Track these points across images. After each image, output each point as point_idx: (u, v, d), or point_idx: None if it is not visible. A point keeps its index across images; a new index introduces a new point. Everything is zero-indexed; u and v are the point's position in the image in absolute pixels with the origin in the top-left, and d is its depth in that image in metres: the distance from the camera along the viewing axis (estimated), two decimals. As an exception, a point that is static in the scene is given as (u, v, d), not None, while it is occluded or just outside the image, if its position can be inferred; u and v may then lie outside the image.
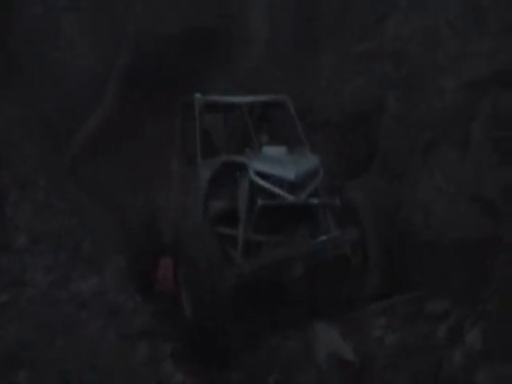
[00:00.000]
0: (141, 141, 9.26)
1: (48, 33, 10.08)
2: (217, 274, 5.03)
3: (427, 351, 4.84)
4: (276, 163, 5.71)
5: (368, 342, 5.16)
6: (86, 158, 9.34)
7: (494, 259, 5.17)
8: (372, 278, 5.44)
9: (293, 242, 5.54)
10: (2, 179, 7.20)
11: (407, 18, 7.63)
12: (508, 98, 5.80)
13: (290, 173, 5.56)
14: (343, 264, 5.57)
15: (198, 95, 6.70)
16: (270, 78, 7.54)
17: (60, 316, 6.01)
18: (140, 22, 9.98)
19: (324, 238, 5.55)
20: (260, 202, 5.48)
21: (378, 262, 5.38)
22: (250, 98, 6.92)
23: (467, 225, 5.44)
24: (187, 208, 6.38)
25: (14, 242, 7.14)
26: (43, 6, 10.16)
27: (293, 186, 5.54)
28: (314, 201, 5.60)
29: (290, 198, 5.51)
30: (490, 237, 5.29)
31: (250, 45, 9.82)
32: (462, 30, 6.72)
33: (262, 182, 5.58)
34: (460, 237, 5.37)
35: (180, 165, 6.93)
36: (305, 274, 5.46)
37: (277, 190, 5.54)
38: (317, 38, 8.93)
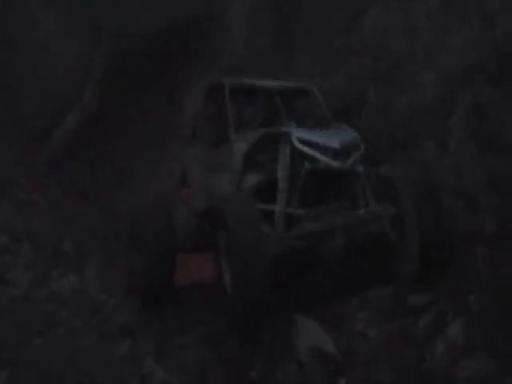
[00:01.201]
0: (122, 138, 9.18)
1: (24, 33, 9.96)
2: (258, 243, 4.95)
3: (409, 344, 4.83)
4: (319, 134, 5.66)
5: (350, 335, 5.15)
6: (65, 156, 9.27)
7: (475, 252, 5.22)
8: (409, 254, 5.39)
9: (334, 214, 5.47)
10: None
11: (386, 12, 7.63)
12: (487, 90, 5.83)
13: (334, 141, 5.49)
14: (382, 239, 5.55)
15: (226, 79, 6.64)
16: (248, 75, 7.50)
17: (41, 314, 6.04)
18: (116, 22, 9.86)
19: (364, 211, 5.52)
20: (307, 165, 5.42)
21: (415, 239, 5.33)
22: (277, 83, 6.84)
23: (448, 218, 5.40)
24: (219, 185, 6.26)
25: None
26: (19, 6, 10.03)
27: (337, 154, 5.46)
28: (360, 168, 5.55)
29: (336, 164, 5.46)
30: (471, 229, 5.35)
31: (229, 43, 9.79)
32: (441, 22, 6.73)
33: (306, 149, 5.49)
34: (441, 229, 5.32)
35: (202, 147, 6.82)
36: (345, 245, 5.42)
37: (322, 156, 5.45)
38: (296, 34, 8.94)
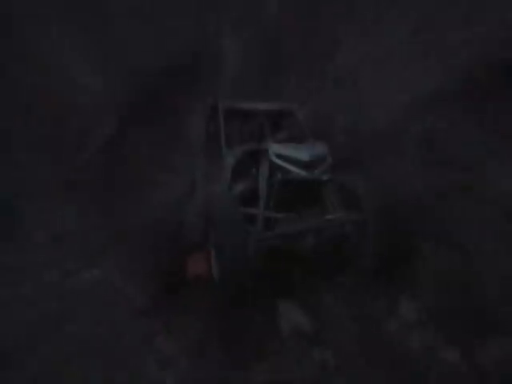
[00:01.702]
0: (136, 156, 9.28)
1: (55, 61, 10.04)
2: (240, 241, 5.06)
3: (369, 320, 4.97)
4: (292, 148, 5.74)
5: (321, 312, 5.25)
6: (91, 170, 9.36)
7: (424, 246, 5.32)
8: (367, 252, 5.44)
9: (306, 218, 5.58)
10: (24, 188, 7.12)
11: (358, 44, 7.61)
12: (435, 116, 5.90)
13: (304, 155, 5.61)
14: (345, 240, 5.61)
15: (221, 100, 6.70)
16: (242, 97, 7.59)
17: (68, 303, 6.04)
18: (131, 57, 9.99)
19: (331, 216, 5.59)
20: (279, 176, 5.57)
21: (373, 241, 5.39)
22: (265, 105, 6.89)
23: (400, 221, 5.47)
24: (214, 192, 6.33)
25: (33, 240, 7.18)
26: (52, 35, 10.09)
27: (306, 165, 5.59)
28: (325, 177, 5.64)
29: (304, 174, 5.58)
30: (418, 229, 5.44)
31: (224, 74, 9.83)
32: (404, 56, 6.71)
33: (280, 162, 5.63)
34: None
35: (205, 159, 6.91)
36: (315, 244, 5.50)
37: (293, 168, 5.59)
38: (282, 63, 8.98)
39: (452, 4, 6.54)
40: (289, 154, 5.64)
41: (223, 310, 5.29)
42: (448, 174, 5.60)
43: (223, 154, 6.29)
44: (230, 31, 10.20)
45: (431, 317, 4.74)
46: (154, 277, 6.69)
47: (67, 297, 6.15)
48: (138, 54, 9.93)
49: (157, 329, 5.67)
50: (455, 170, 5.56)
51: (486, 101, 5.52)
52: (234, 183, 6.14)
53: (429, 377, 4.38)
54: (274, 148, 5.73)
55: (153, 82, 9.85)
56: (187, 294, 6.21)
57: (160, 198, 8.10)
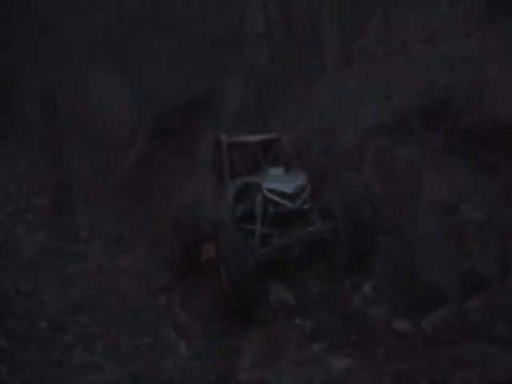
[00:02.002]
0: (162, 172, 9.22)
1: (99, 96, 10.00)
2: (242, 257, 4.99)
3: (339, 296, 4.97)
4: (279, 182, 5.63)
5: (301, 290, 5.23)
6: (126, 179, 9.30)
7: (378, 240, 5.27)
8: (342, 252, 5.36)
9: (292, 234, 5.45)
10: (73, 194, 7.04)
11: (325, 91, 7.69)
12: (385, 141, 5.88)
13: (289, 188, 5.51)
14: (325, 243, 5.52)
15: (223, 136, 6.52)
16: (239, 130, 7.57)
17: (109, 279, 5.90)
18: (158, 93, 9.96)
19: (311, 229, 5.48)
20: (272, 210, 5.46)
21: (345, 243, 5.33)
22: (257, 137, 6.71)
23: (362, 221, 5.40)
24: (222, 212, 6.21)
25: (80, 233, 7.01)
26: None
27: (291, 197, 5.48)
28: (306, 206, 5.53)
29: (290, 205, 5.47)
30: (375, 226, 5.39)
31: (226, 109, 9.84)
32: (358, 97, 6.79)
33: (271, 196, 5.51)
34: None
35: (214, 183, 6.72)
36: (300, 253, 5.44)
37: (281, 200, 5.48)
38: (268, 106, 9.01)
39: (391, 57, 6.75)
40: (277, 188, 5.53)
41: (226, 290, 5.14)
42: (395, 185, 5.54)
43: (227, 184, 6.17)
44: (232, 80, 10.17)
45: (386, 295, 4.70)
46: (172, 261, 6.63)
47: (106, 276, 5.98)
48: (162, 92, 9.91)
49: (174, 303, 5.60)
50: (400, 181, 5.50)
51: (417, 132, 5.59)
52: (236, 206, 6.01)
53: (383, 339, 4.29)
54: (266, 184, 5.60)
55: (172, 114, 9.79)
56: (198, 276, 6.13)
57: (179, 201, 7.98)
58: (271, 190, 5.53)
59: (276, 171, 5.98)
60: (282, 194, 5.49)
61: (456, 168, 4.95)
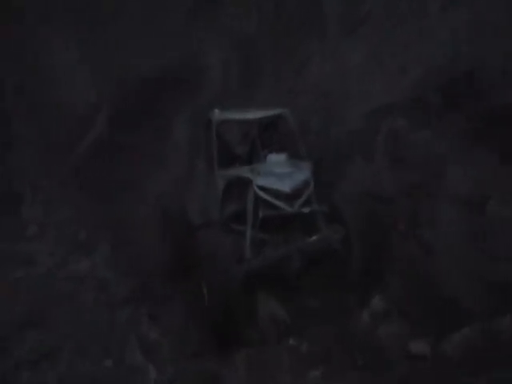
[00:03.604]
0: (127, 156, 9.09)
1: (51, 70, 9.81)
2: (227, 265, 4.80)
3: (342, 312, 4.89)
4: (275, 177, 5.37)
5: (296, 304, 5.15)
6: (84, 167, 9.15)
7: (391, 242, 5.23)
8: (355, 264, 5.17)
9: (290, 242, 5.23)
10: (19, 184, 6.97)
11: (326, 62, 7.63)
12: (400, 121, 5.86)
13: (286, 186, 5.24)
14: (333, 255, 5.31)
15: (216, 111, 6.25)
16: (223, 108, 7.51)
17: (61, 289, 5.90)
18: (124, 65, 9.72)
19: (315, 237, 5.25)
20: (261, 213, 5.22)
21: (359, 254, 5.14)
22: (257, 114, 6.36)
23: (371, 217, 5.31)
24: (208, 206, 6.03)
25: (26, 231, 7.01)
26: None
27: (289, 198, 5.21)
28: (306, 210, 5.25)
29: (287, 208, 5.20)
30: (388, 226, 5.31)
31: (206, 86, 9.67)
32: (367, 71, 6.74)
33: (263, 195, 5.27)
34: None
35: (203, 169, 6.50)
36: (300, 267, 5.22)
37: (275, 201, 5.23)
38: (257, 79, 8.87)
39: (405, 23, 6.70)
40: (271, 186, 5.29)
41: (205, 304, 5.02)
42: (410, 176, 5.50)
43: (216, 175, 5.93)
44: (214, 47, 10.02)
45: (400, 310, 4.65)
46: (139, 266, 6.49)
47: (56, 285, 6.01)
48: (128, 62, 9.72)
49: (141, 318, 5.49)
50: (417, 172, 5.48)
51: (437, 113, 5.59)
52: (225, 203, 5.81)
53: (397, 364, 4.24)
54: (258, 181, 5.36)
55: (142, 88, 9.65)
56: (171, 284, 6.04)
57: (151, 194, 7.82)
58: (263, 188, 5.31)
59: (277, 158, 5.75)
60: (277, 194, 5.26)
61: (484, 156, 4.93)
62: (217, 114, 6.24)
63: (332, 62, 7.51)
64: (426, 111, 5.62)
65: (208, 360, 4.72)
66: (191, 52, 9.89)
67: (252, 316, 5.07)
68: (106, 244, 7.07)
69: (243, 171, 5.75)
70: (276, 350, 4.75)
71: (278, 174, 5.44)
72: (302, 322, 4.97)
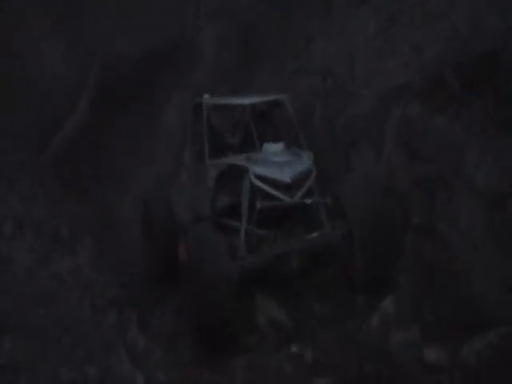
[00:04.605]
0: (112, 143, 9.04)
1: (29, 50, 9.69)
2: (221, 264, 4.81)
3: (349, 316, 4.88)
4: (273, 166, 5.35)
5: (300, 308, 5.14)
6: (63, 158, 9.10)
7: (404, 238, 5.19)
8: (361, 263, 5.15)
9: (289, 238, 5.24)
10: None
11: (332, 40, 7.57)
12: (414, 105, 5.79)
13: (285, 175, 5.24)
14: (335, 253, 5.32)
15: (206, 96, 6.24)
16: (216, 92, 7.41)
17: (41, 290, 5.71)
18: (107, 43, 9.71)
19: (316, 234, 5.25)
20: (259, 204, 5.18)
21: (362, 250, 5.12)
22: (251, 99, 6.38)
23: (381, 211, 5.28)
24: (198, 199, 6.01)
25: (1, 227, 6.78)
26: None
27: (288, 188, 5.22)
28: (308, 201, 5.24)
29: (286, 199, 5.20)
30: (400, 220, 5.28)
31: (199, 64, 9.65)
32: (377, 49, 6.71)
33: (260, 185, 5.26)
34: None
35: (191, 159, 6.52)
36: (301, 265, 5.25)
37: (274, 191, 5.23)
38: (255, 59, 8.86)
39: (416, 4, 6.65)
40: (269, 176, 5.28)
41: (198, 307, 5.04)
42: (427, 166, 5.47)
43: (207, 164, 5.93)
44: (206, 22, 10.03)
45: (414, 314, 4.62)
46: (125, 265, 6.61)
47: (38, 286, 5.80)
48: (112, 41, 9.69)
49: (129, 322, 5.46)
50: (433, 162, 5.43)
51: (456, 96, 5.50)
52: (217, 194, 5.80)
53: (410, 373, 4.20)
54: (255, 168, 5.34)
55: (127, 70, 9.63)
56: (161, 286, 6.08)
57: (138, 186, 7.96)
58: (261, 177, 5.29)
59: (273, 148, 5.71)
60: (275, 183, 5.25)
61: (506, 145, 4.84)
62: (207, 99, 6.21)
63: (338, 39, 7.45)
64: (442, 95, 5.56)
65: (201, 368, 4.73)
66: (182, 30, 9.86)
67: (249, 320, 5.08)
68: (90, 242, 7.04)
69: (238, 160, 5.73)
70: (276, 357, 4.73)
71: (278, 163, 5.42)
72: (305, 327, 4.97)
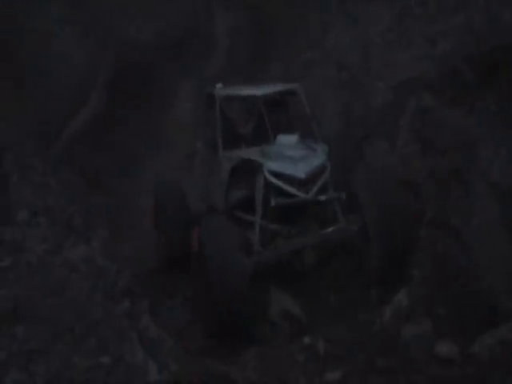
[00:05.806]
0: (125, 132, 9.06)
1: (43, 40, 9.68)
2: (234, 257, 4.77)
3: (362, 309, 4.87)
4: (288, 161, 5.29)
5: (313, 301, 5.15)
6: (77, 146, 9.11)
7: (418, 232, 5.16)
8: (375, 257, 5.12)
9: (304, 233, 5.22)
10: (6, 163, 6.89)
11: (346, 31, 7.57)
12: (429, 98, 5.78)
13: (300, 171, 5.19)
14: (350, 248, 5.35)
15: (219, 86, 6.20)
16: (229, 81, 7.37)
17: (54, 278, 5.66)
18: (120, 33, 9.70)
19: (331, 229, 5.24)
20: (273, 201, 5.14)
21: (377, 244, 5.07)
22: (264, 89, 6.27)
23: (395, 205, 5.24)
24: (211, 192, 6.03)
25: (15, 215, 6.81)
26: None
27: (303, 184, 5.17)
28: (322, 197, 5.21)
29: (301, 195, 5.16)
30: (415, 214, 5.24)
31: (213, 52, 9.70)
32: (391, 41, 6.72)
33: (274, 181, 5.21)
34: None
35: (204, 150, 6.49)
36: (315, 261, 5.26)
37: (288, 188, 5.18)
38: (269, 49, 8.85)
39: None
40: (284, 172, 5.22)
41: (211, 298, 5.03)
42: (441, 159, 5.44)
43: (220, 156, 5.86)
44: (220, 11, 10.05)
45: (427, 308, 4.61)
46: (139, 256, 6.62)
47: (51, 273, 5.73)
48: (125, 30, 9.68)
49: (141, 311, 5.44)
50: (448, 154, 5.40)
51: (470, 89, 5.52)
52: (231, 188, 5.74)
53: (422, 367, 4.18)
54: (269, 164, 5.28)
55: (140, 59, 9.61)
56: (175, 276, 6.09)
57: (151, 176, 7.86)
58: (275, 173, 5.24)
59: (287, 139, 5.67)
60: (290, 180, 5.20)
61: None
62: (220, 89, 6.15)
63: (353, 30, 7.44)
64: (456, 87, 5.56)
65: (214, 358, 4.72)
66: (195, 19, 9.85)
67: (263, 312, 5.09)
68: (103, 230, 7.02)
69: (251, 153, 5.66)
70: (289, 349, 4.72)
71: (291, 158, 5.36)
72: (318, 319, 4.97)
